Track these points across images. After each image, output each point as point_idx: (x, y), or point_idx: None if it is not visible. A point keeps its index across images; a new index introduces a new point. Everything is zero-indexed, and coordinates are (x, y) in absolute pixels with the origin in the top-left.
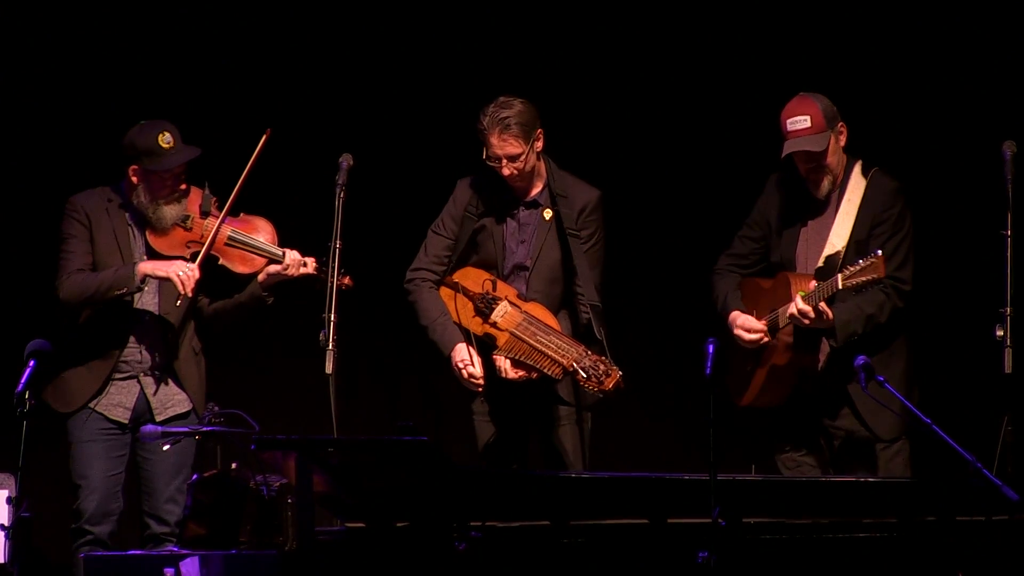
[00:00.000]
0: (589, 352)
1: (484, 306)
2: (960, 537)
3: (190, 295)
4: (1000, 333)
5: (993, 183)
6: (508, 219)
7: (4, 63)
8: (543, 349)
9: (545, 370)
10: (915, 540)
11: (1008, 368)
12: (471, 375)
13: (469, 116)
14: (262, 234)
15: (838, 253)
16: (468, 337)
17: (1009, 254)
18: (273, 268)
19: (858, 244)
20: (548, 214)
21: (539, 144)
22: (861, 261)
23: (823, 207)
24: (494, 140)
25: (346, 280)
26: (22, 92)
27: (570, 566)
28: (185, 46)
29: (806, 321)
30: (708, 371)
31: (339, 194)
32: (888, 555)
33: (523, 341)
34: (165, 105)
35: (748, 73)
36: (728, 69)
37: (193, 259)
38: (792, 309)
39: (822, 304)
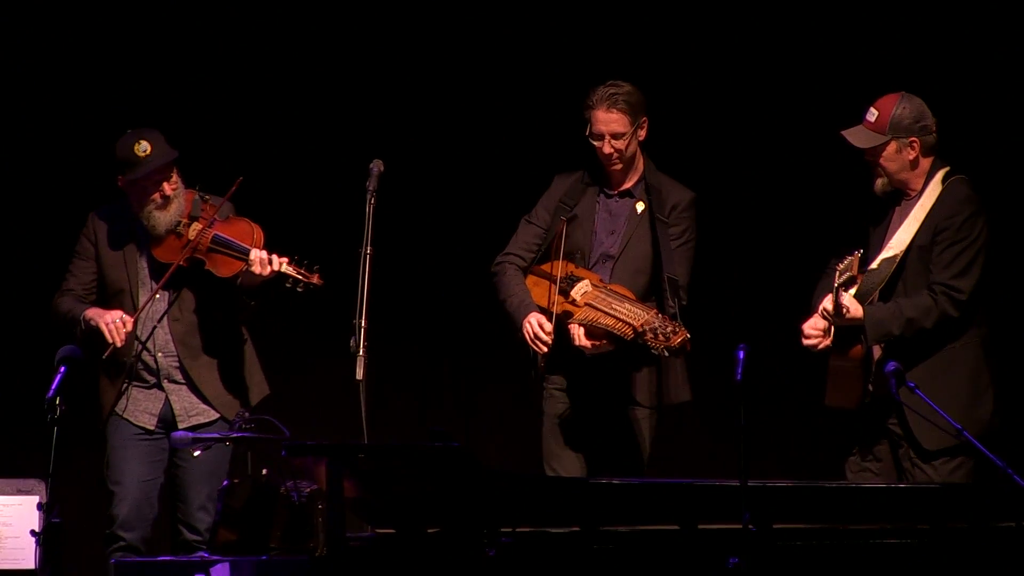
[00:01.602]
0: (661, 315)
1: (566, 285)
2: (991, 543)
3: (119, 344)
4: None
5: (1020, 186)
6: (600, 208)
7: (28, 69)
8: (615, 314)
9: (615, 331)
10: (946, 546)
11: None
12: (538, 334)
13: (497, 121)
14: (241, 235)
15: (895, 257)
16: (548, 316)
17: None
18: (245, 268)
19: (920, 249)
20: (641, 207)
21: (642, 133)
22: (847, 259)
23: (904, 211)
24: (600, 115)
25: (315, 279)
26: (55, 96)
27: (600, 572)
28: (218, 50)
29: (830, 319)
30: (739, 377)
31: (370, 200)
32: (918, 561)
33: (598, 309)
34: (193, 111)
35: (762, 75)
36: (740, 72)
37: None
38: (820, 307)
39: (846, 301)
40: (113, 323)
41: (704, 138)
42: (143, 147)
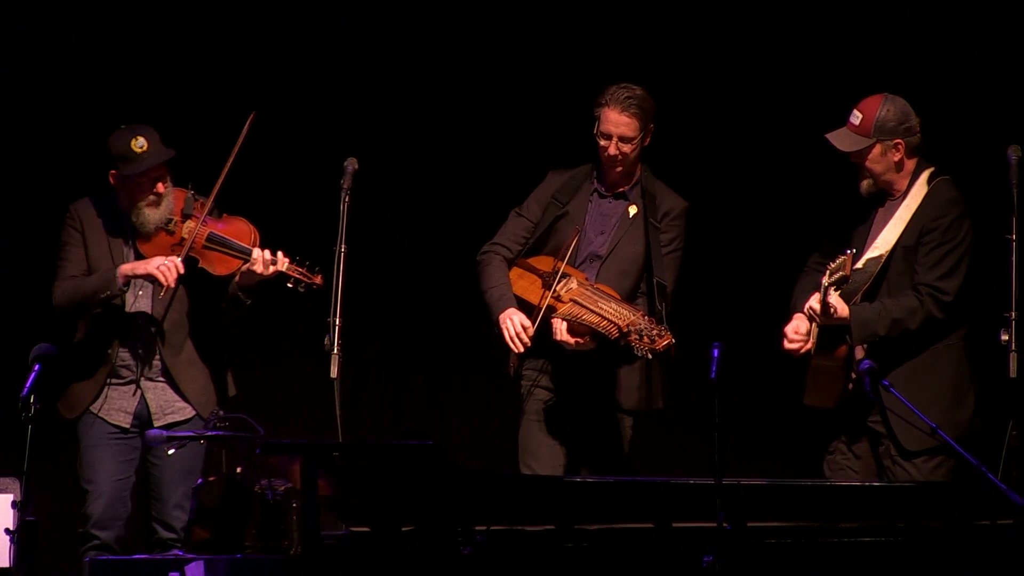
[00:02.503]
0: (647, 317)
1: (552, 280)
2: (965, 542)
3: (172, 286)
4: (1005, 337)
5: (998, 187)
6: (592, 208)
7: (10, 66)
8: (600, 312)
9: (601, 330)
10: (921, 544)
11: (1013, 372)
12: (517, 333)
13: (472, 120)
14: (239, 234)
15: (880, 257)
16: (530, 313)
17: (1014, 258)
18: (246, 267)
19: (905, 250)
20: (633, 210)
21: (647, 139)
22: (839, 258)
23: (889, 212)
24: (612, 115)
25: (317, 279)
26: (28, 95)
27: (575, 570)
28: (189, 49)
29: (817, 318)
30: (713, 375)
31: (344, 198)
32: (893, 560)
33: (582, 306)
34: (167, 109)
35: (743, 75)
36: (721, 71)
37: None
38: (806, 306)
39: (832, 300)
40: (164, 266)
41: (684, 137)
42: (140, 143)
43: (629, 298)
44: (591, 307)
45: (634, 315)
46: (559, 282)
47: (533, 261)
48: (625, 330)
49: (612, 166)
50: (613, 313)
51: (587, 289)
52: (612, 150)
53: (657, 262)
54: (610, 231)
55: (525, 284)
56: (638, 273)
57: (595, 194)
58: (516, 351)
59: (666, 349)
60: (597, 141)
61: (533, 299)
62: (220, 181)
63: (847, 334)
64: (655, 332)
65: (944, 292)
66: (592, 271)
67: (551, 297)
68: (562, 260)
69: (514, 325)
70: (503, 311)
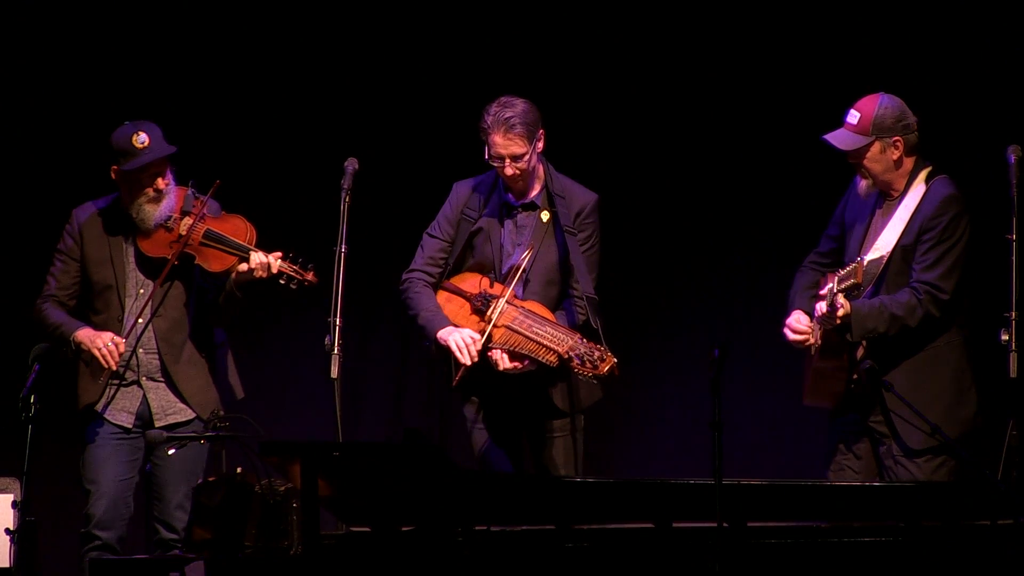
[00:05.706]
0: (584, 340)
1: (481, 304)
2: (965, 541)
3: (114, 368)
4: (1005, 337)
5: (998, 187)
6: (506, 221)
7: (21, 67)
8: (538, 339)
9: (540, 358)
10: (920, 544)
11: (1013, 372)
12: (467, 344)
13: (472, 120)
14: (235, 232)
15: (881, 258)
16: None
17: (1014, 259)
18: (243, 266)
19: (904, 249)
20: (546, 216)
21: (540, 145)
22: (849, 266)
23: (888, 211)
24: (498, 139)
25: (309, 276)
26: (32, 95)
27: (575, 570)
28: (194, 49)
29: (827, 323)
30: (713, 376)
31: (344, 198)
32: (893, 560)
33: (518, 333)
34: (174, 108)
35: (743, 76)
36: (721, 73)
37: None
38: (817, 308)
39: (838, 299)
40: (106, 347)
41: (683, 136)
42: (141, 139)
43: (558, 304)
44: (526, 333)
45: (571, 339)
46: (489, 305)
47: (457, 281)
48: (565, 356)
49: (514, 183)
50: (550, 339)
51: (519, 312)
52: (509, 171)
53: (582, 275)
54: (527, 242)
55: (455, 309)
56: (562, 279)
57: (505, 205)
58: (466, 364)
59: (610, 372)
60: (492, 164)
61: (463, 324)
62: (212, 191)
63: (847, 332)
64: (596, 356)
65: (942, 291)
66: (518, 285)
67: (483, 322)
68: (491, 285)
69: (464, 336)
70: (441, 327)
